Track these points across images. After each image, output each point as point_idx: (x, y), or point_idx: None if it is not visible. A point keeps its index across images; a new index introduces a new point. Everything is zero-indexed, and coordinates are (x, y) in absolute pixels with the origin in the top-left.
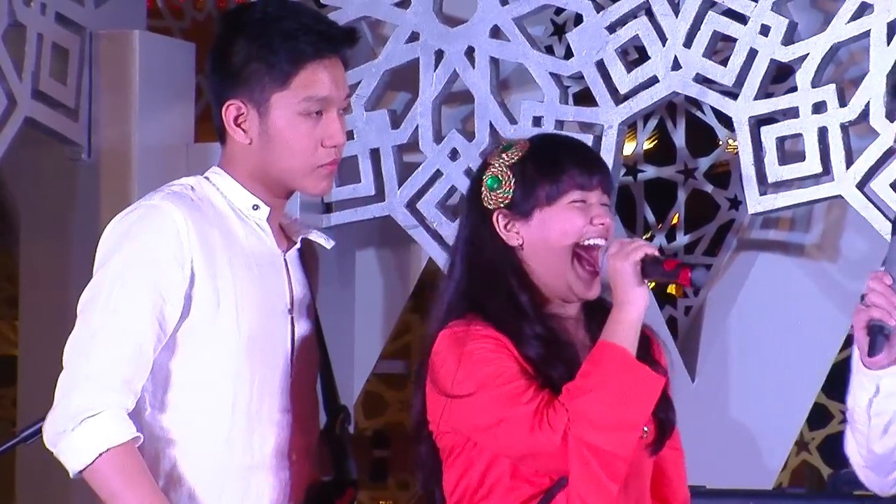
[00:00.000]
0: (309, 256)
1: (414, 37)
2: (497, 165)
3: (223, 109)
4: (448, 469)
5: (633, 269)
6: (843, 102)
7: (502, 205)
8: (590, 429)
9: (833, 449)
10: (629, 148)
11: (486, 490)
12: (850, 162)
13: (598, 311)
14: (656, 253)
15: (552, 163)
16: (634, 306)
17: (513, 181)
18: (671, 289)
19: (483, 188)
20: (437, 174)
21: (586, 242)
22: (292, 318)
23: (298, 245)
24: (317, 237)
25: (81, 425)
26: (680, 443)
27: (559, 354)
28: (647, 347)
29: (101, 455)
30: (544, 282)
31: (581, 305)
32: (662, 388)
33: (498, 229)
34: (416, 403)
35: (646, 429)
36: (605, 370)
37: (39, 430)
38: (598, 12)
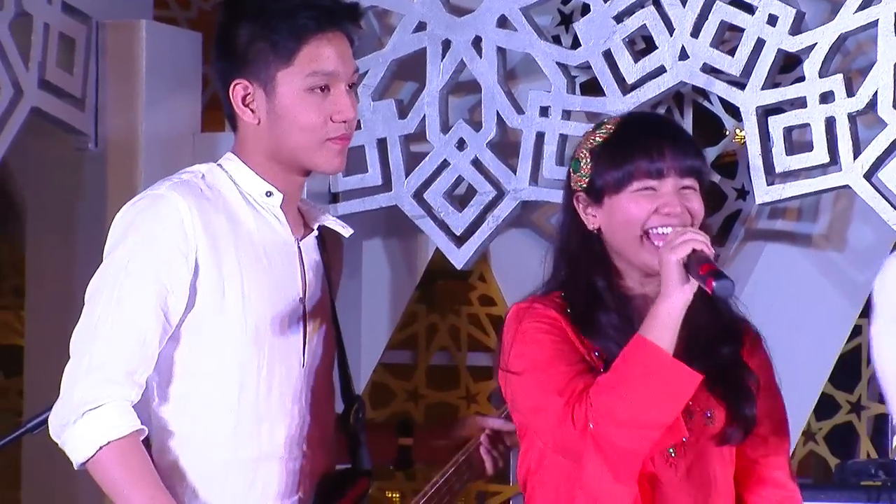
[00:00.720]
0: (332, 242)
1: (421, 26)
2: (583, 147)
3: (230, 90)
4: (521, 446)
5: (676, 264)
6: (850, 92)
7: (581, 188)
8: (610, 425)
9: (840, 439)
10: None
11: (545, 471)
12: (857, 152)
13: None
14: (706, 249)
15: (622, 151)
16: (671, 302)
17: (590, 165)
18: None
19: (570, 168)
20: (444, 164)
21: (654, 231)
22: (305, 307)
23: (316, 232)
24: (334, 224)
25: (84, 417)
26: (772, 430)
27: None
28: (735, 344)
29: (102, 448)
30: (624, 264)
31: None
32: (743, 382)
33: (579, 211)
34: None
35: (709, 413)
36: (633, 367)
37: (45, 421)
38: (605, 2)
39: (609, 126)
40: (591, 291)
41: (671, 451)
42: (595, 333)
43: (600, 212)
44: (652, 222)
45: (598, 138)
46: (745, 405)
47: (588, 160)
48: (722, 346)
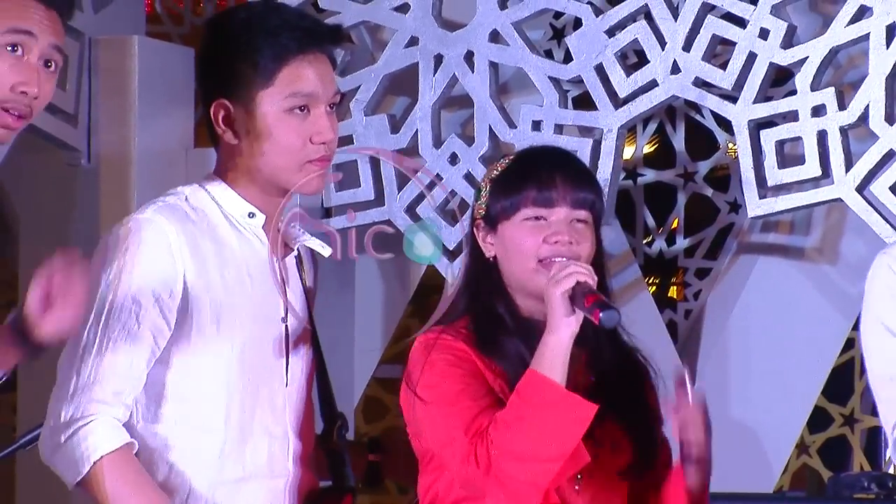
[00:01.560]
0: (309, 261)
1: (413, 41)
2: (486, 177)
3: (212, 110)
4: (422, 474)
5: (560, 297)
6: (842, 106)
7: (480, 216)
8: (510, 461)
9: (833, 452)
10: (629, 152)
11: (453, 500)
12: (849, 165)
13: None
14: (591, 281)
15: (513, 179)
16: (557, 335)
17: (488, 193)
18: (672, 292)
19: (474, 197)
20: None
21: (548, 260)
22: (286, 327)
23: (295, 252)
24: (314, 244)
25: (73, 437)
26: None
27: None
28: (639, 381)
29: (95, 464)
30: (520, 292)
31: None
32: (648, 421)
33: (479, 240)
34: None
35: (614, 446)
36: (528, 402)
37: (39, 436)
38: (597, 16)
39: (511, 157)
40: (493, 317)
41: (578, 476)
42: (502, 358)
43: (496, 240)
44: (542, 252)
45: (499, 168)
46: (649, 443)
47: (487, 189)
48: (629, 383)
